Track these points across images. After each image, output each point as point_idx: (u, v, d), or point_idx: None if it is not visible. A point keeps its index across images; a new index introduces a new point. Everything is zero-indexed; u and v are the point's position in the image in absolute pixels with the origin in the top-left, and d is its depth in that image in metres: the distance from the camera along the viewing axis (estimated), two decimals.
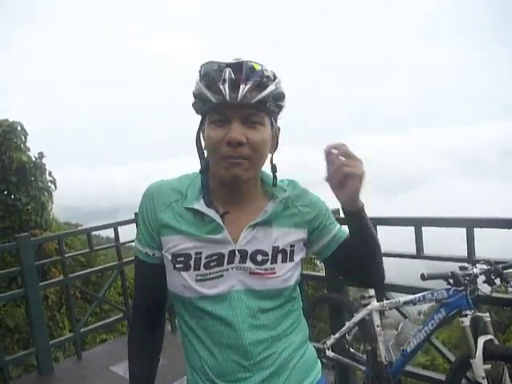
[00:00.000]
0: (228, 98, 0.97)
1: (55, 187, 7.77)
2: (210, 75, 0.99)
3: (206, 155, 1.11)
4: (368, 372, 2.70)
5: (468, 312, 2.19)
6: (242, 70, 0.98)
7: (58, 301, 6.22)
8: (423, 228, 2.72)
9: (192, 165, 1.16)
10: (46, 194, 7.54)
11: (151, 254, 1.12)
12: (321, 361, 1.27)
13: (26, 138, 7.64)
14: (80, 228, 7.17)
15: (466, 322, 2.18)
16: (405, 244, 3.13)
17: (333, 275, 3.23)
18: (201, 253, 1.06)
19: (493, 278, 2.19)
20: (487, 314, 2.21)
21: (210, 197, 1.08)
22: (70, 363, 4.25)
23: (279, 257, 1.10)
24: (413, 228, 2.74)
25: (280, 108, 1.06)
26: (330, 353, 2.90)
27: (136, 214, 4.48)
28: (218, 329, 1.06)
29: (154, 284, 1.16)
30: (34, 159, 7.56)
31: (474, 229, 2.50)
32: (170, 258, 1.08)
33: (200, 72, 1.03)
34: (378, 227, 2.94)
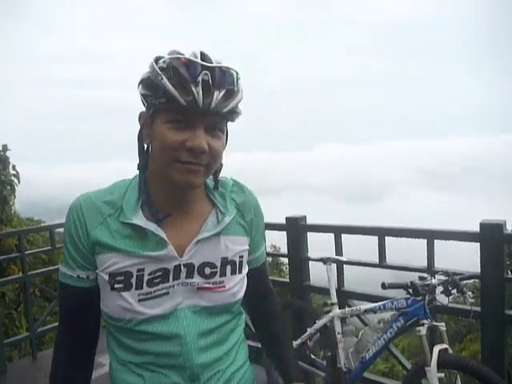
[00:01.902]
0: (200, 103, 0.88)
1: (18, 181, 7.51)
2: (180, 72, 0.88)
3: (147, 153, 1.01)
4: (327, 378, 2.72)
5: (425, 321, 2.24)
6: (216, 74, 0.90)
7: (16, 299, 6.01)
8: (386, 238, 2.78)
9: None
10: (9, 187, 7.28)
11: (85, 277, 0.98)
12: None
13: None
14: (43, 225, 6.95)
15: (423, 330, 2.24)
16: (366, 253, 3.19)
17: (297, 281, 3.25)
18: (143, 269, 0.96)
19: (450, 288, 2.26)
20: (443, 324, 2.28)
21: (151, 202, 0.98)
22: (25, 363, 4.11)
23: (228, 268, 1.03)
24: (376, 238, 2.80)
25: (239, 115, 0.99)
26: None
27: None
28: (164, 350, 0.97)
29: (90, 313, 1.01)
30: None
31: (435, 240, 2.57)
32: (106, 278, 0.96)
33: (162, 62, 0.90)
34: (343, 235, 2.98)
